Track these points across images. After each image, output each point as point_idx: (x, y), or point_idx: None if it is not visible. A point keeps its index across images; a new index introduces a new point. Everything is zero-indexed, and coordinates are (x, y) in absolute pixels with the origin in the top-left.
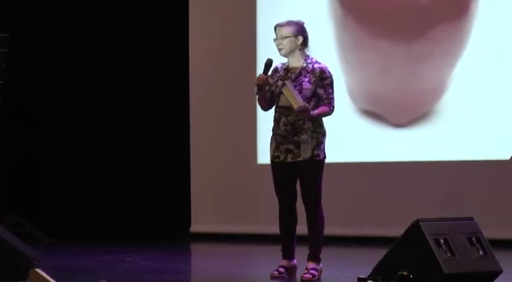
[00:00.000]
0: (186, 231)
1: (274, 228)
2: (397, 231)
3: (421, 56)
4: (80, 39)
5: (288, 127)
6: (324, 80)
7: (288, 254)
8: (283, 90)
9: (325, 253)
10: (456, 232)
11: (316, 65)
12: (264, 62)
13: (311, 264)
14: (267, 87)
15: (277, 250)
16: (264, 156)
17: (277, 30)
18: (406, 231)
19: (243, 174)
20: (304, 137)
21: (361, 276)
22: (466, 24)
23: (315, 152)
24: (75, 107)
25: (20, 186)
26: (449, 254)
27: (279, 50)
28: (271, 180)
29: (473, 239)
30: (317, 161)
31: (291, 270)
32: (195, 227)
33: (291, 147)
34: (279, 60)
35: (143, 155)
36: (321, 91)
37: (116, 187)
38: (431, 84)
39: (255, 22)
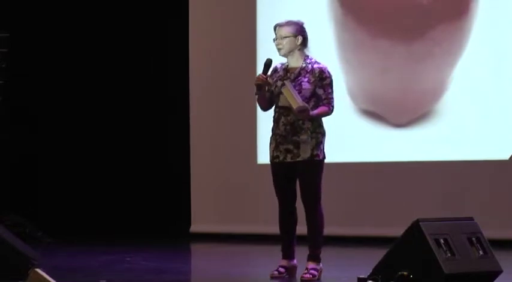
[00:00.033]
0: (186, 231)
1: (274, 228)
2: (397, 231)
3: (421, 56)
4: (80, 39)
5: (288, 127)
6: (323, 80)
7: (288, 254)
8: (283, 90)
9: (325, 253)
10: (456, 232)
11: (315, 65)
12: (264, 62)
13: (311, 264)
14: (267, 87)
15: (277, 250)
16: (264, 156)
17: (276, 30)
18: (406, 231)
19: (243, 174)
20: (303, 137)
21: (361, 276)
22: (466, 24)
23: (315, 152)
24: (75, 107)
25: (20, 186)
26: (449, 254)
27: (279, 50)
28: (271, 180)
29: (473, 239)
30: (316, 161)
31: (291, 270)
32: (195, 227)
33: (291, 147)
34: (278, 60)
35: (143, 155)
36: (320, 91)
37: (116, 187)
38: (431, 84)
39: (255, 22)
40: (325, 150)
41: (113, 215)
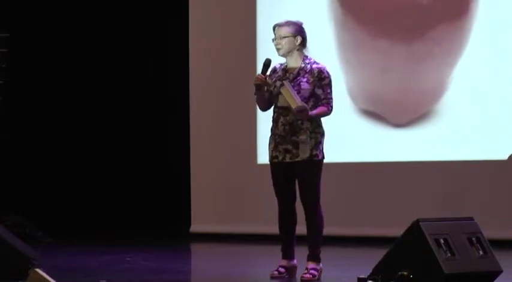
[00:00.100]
0: (186, 231)
1: (274, 228)
2: (397, 231)
3: (421, 56)
4: (80, 39)
5: (287, 127)
6: (322, 80)
7: (288, 254)
8: (282, 90)
9: (325, 253)
10: (456, 232)
11: (314, 65)
12: (263, 62)
13: (311, 264)
14: (266, 88)
15: (277, 250)
16: (263, 156)
17: (275, 30)
18: (406, 231)
19: (243, 174)
20: (302, 137)
21: (361, 276)
22: (466, 24)
23: (314, 152)
24: (75, 107)
25: (20, 186)
26: (449, 254)
27: (278, 50)
28: (271, 180)
29: (473, 239)
30: (315, 161)
31: (291, 270)
32: (195, 227)
33: (290, 147)
34: (277, 61)
35: (143, 155)
36: (319, 91)
37: (116, 187)
38: (431, 84)
39: (255, 22)
40: (324, 151)
41: (113, 215)
